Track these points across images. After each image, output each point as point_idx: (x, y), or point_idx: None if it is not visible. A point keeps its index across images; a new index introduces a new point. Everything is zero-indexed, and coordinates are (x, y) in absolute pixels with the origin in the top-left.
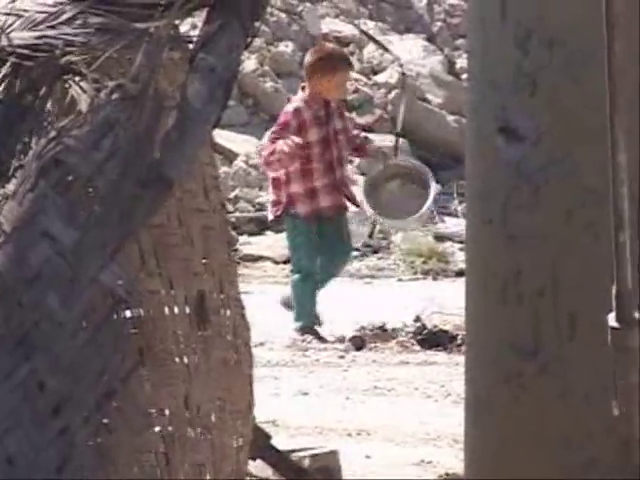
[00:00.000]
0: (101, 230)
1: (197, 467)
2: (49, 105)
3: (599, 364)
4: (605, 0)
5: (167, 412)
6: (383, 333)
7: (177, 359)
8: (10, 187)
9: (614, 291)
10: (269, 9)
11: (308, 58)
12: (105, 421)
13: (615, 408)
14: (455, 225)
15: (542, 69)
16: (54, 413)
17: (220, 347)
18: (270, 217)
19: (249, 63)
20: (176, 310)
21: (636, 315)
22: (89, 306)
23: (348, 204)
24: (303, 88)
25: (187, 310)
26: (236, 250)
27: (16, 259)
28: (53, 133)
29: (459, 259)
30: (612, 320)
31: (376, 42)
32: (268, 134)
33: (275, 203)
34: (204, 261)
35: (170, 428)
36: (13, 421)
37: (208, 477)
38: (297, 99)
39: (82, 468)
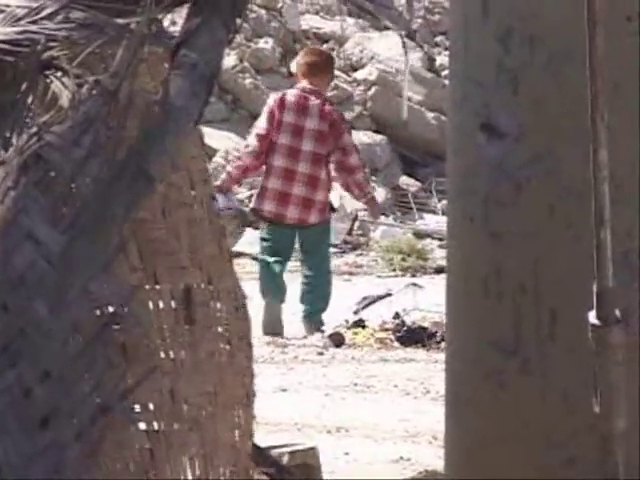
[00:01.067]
0: (90, 238)
1: (186, 462)
2: (30, 101)
3: (580, 362)
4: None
5: (151, 407)
6: (362, 330)
7: (162, 354)
8: None
9: (595, 288)
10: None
11: (313, 57)
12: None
13: (595, 406)
14: (434, 222)
15: (524, 66)
16: (43, 424)
17: (210, 340)
18: (320, 219)
19: (229, 59)
20: (161, 305)
21: (617, 313)
22: (79, 317)
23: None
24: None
25: (173, 304)
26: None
27: (0, 260)
28: (34, 129)
29: (438, 256)
30: (593, 317)
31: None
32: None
33: (324, 204)
34: (190, 255)
35: (155, 423)
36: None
37: (198, 471)
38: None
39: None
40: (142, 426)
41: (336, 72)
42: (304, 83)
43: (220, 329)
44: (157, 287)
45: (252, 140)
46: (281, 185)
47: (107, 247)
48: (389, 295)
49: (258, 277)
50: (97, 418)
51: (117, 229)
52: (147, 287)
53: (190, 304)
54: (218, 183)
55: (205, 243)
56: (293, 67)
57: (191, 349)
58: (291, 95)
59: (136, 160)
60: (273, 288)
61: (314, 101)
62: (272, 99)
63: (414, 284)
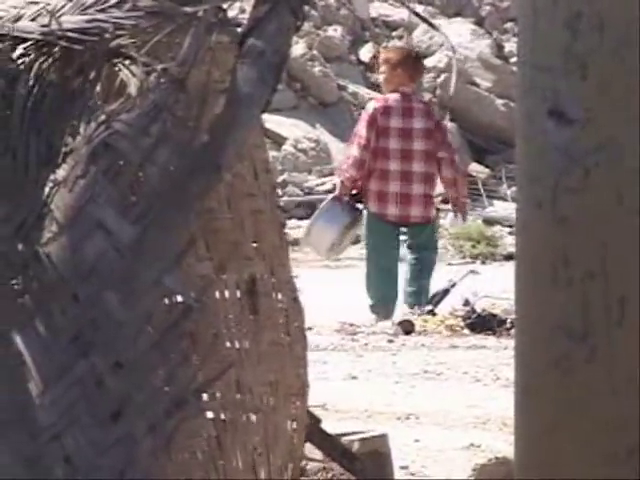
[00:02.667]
0: (162, 229)
1: (251, 450)
2: (99, 89)
3: None
4: None
5: (218, 396)
6: (432, 317)
7: (228, 343)
8: (60, 173)
9: None
10: None
11: (409, 62)
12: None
13: None
14: (504, 209)
15: (592, 52)
16: (115, 415)
17: (272, 330)
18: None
19: (297, 47)
20: (227, 294)
21: None
22: (152, 308)
23: None
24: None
25: (238, 294)
26: (285, 234)
27: (70, 250)
28: (103, 117)
29: (508, 243)
30: None
31: (426, 22)
32: None
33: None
34: (255, 245)
35: (222, 412)
36: (71, 420)
37: (262, 460)
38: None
39: (147, 472)
40: (210, 415)
41: None
42: (404, 87)
43: (281, 320)
44: (223, 277)
45: (355, 151)
46: (400, 188)
47: (179, 238)
48: (453, 286)
49: (370, 282)
50: (171, 412)
51: (188, 220)
52: (214, 277)
53: (254, 294)
54: (337, 194)
55: (268, 234)
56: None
57: (255, 339)
58: (394, 101)
59: (206, 149)
60: (392, 294)
61: (418, 104)
62: (372, 107)
63: (472, 271)
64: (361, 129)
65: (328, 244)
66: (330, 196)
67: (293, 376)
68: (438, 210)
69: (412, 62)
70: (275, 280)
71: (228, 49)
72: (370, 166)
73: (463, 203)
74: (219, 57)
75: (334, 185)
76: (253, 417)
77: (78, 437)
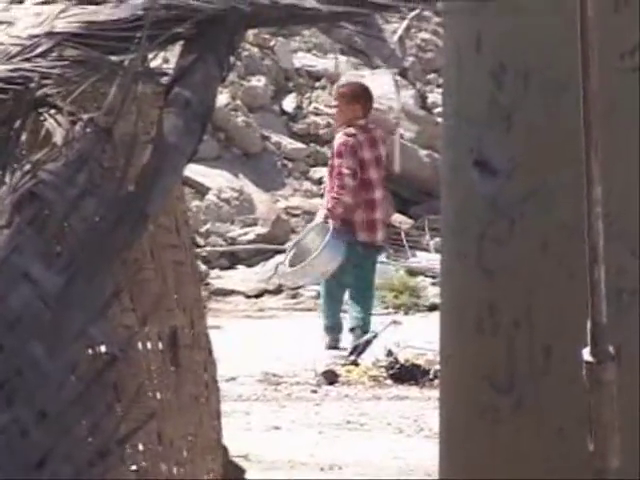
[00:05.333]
0: (87, 281)
1: None
2: (23, 138)
3: (574, 398)
4: (580, 30)
5: (141, 448)
6: (355, 367)
7: (150, 395)
8: None
9: (589, 325)
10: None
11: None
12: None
13: (590, 443)
14: (427, 259)
15: (517, 102)
16: (39, 465)
17: (191, 383)
18: None
19: (221, 97)
20: (149, 346)
21: (611, 350)
22: (76, 358)
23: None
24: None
25: (160, 346)
26: (207, 284)
27: None
28: (28, 166)
29: (431, 293)
30: (587, 354)
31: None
32: None
33: None
34: (175, 297)
35: (144, 464)
36: None
37: None
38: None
39: None
40: (132, 467)
41: (328, 110)
42: (359, 121)
43: (199, 372)
44: (146, 329)
45: (346, 180)
46: (380, 214)
47: (104, 288)
48: (375, 337)
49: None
50: (95, 461)
51: (114, 270)
52: (137, 328)
53: (176, 346)
54: (333, 226)
55: (188, 286)
56: (287, 106)
57: (176, 391)
58: (359, 134)
59: (133, 199)
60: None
61: (375, 133)
62: (349, 140)
63: (395, 321)
64: (346, 160)
65: (325, 273)
66: (329, 227)
67: (210, 429)
68: None
69: (366, 96)
70: (194, 332)
71: (151, 100)
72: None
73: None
74: (142, 108)
75: (257, 235)
76: (174, 469)
77: None
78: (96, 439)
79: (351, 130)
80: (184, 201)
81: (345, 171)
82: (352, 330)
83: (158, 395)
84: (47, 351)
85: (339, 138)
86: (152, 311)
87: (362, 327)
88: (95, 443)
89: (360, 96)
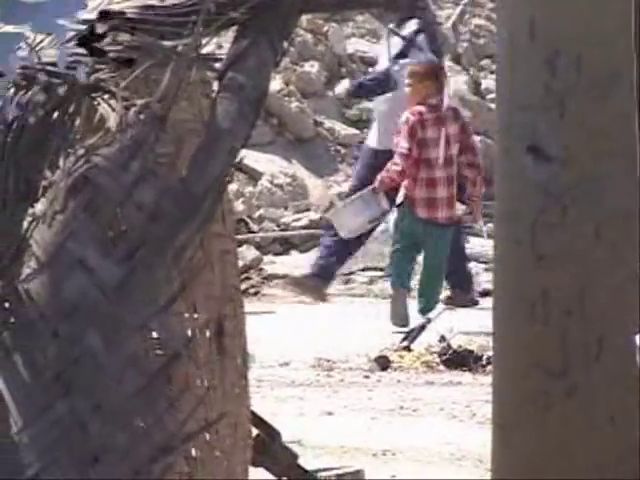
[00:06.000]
0: (149, 273)
1: None
2: (77, 123)
3: (626, 387)
4: (635, 17)
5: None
6: (408, 353)
7: (198, 382)
8: (39, 207)
9: None
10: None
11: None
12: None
13: None
14: (480, 245)
15: (570, 89)
16: (95, 458)
17: (233, 371)
18: None
19: (274, 83)
20: (198, 333)
21: None
22: (137, 353)
23: None
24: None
25: (208, 334)
26: (261, 269)
27: (51, 287)
28: (82, 151)
29: (484, 279)
30: (639, 341)
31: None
32: None
33: None
34: (222, 286)
35: (193, 450)
36: (50, 459)
37: None
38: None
39: None
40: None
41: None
42: (434, 100)
43: (239, 361)
44: (195, 316)
45: (397, 160)
46: (443, 192)
47: (167, 283)
48: (429, 322)
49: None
50: (157, 457)
51: (178, 264)
52: (187, 315)
53: (222, 334)
54: (375, 187)
55: (232, 275)
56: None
57: (220, 379)
58: (427, 113)
59: (183, 185)
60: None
61: (446, 112)
62: (410, 118)
63: (448, 307)
64: (403, 139)
65: (352, 228)
66: (369, 187)
67: (246, 419)
68: None
69: (439, 74)
70: (236, 322)
71: (200, 87)
72: (413, 175)
73: (478, 202)
74: (190, 93)
75: (310, 221)
76: (218, 454)
77: (57, 478)
78: (158, 435)
79: (417, 108)
80: (227, 191)
81: (400, 150)
82: (421, 311)
83: (205, 382)
84: (105, 342)
85: (403, 116)
86: (202, 299)
87: (423, 309)
88: (157, 439)
89: (432, 74)
